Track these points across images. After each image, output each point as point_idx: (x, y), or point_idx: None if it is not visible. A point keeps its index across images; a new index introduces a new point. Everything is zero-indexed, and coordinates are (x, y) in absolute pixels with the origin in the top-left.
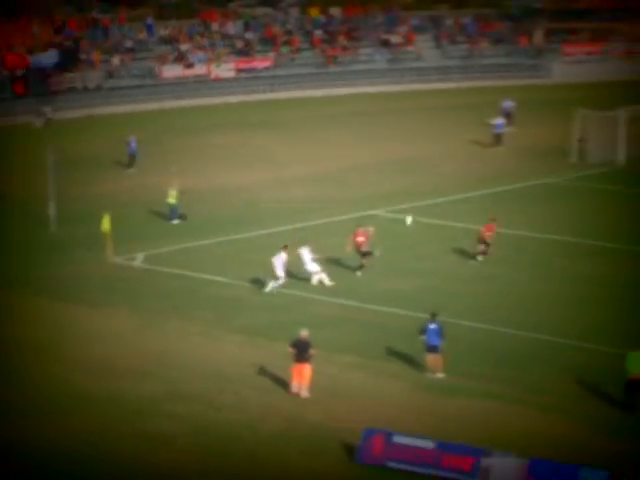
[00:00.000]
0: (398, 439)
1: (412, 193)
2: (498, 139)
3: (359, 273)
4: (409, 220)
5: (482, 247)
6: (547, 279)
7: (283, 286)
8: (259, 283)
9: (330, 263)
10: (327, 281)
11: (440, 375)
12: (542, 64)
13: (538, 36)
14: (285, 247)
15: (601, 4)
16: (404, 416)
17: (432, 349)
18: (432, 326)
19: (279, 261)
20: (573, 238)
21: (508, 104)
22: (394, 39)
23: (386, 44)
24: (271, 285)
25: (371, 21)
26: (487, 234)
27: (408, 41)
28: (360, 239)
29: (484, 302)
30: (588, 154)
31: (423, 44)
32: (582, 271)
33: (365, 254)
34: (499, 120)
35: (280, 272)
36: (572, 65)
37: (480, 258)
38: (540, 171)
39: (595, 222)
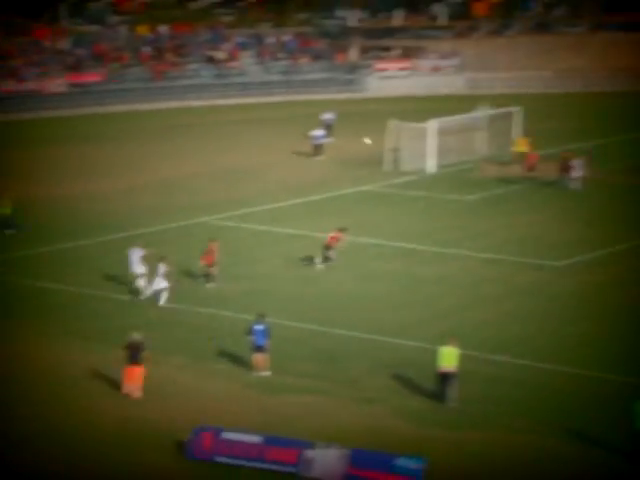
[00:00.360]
0: (226, 435)
1: (240, 201)
2: (318, 149)
3: (211, 284)
4: (368, 141)
5: (329, 253)
6: (366, 279)
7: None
8: (96, 289)
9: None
10: (162, 301)
11: (266, 373)
12: (358, 79)
13: (353, 53)
14: (161, 258)
15: (411, 24)
16: (233, 413)
17: (259, 349)
18: (258, 327)
19: (135, 255)
20: (386, 241)
21: (328, 116)
22: (219, 55)
23: (212, 60)
24: (153, 294)
25: (197, 38)
26: (333, 241)
27: (232, 57)
28: (206, 259)
29: (309, 303)
30: (401, 163)
31: (247, 60)
32: (396, 271)
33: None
34: (319, 131)
35: (138, 269)
36: (385, 80)
37: (319, 264)
38: (357, 179)
39: (405, 225)
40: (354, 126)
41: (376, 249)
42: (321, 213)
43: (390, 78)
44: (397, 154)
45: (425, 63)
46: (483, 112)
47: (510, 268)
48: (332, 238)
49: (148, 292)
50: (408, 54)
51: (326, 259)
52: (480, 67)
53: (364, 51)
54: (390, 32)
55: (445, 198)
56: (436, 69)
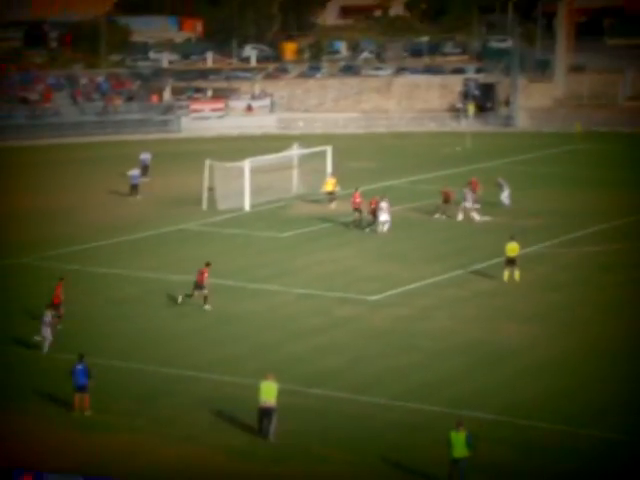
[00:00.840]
0: (47, 478)
1: (51, 241)
2: (135, 189)
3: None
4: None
5: (203, 292)
6: (183, 316)
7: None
8: None
9: None
10: None
11: (87, 413)
12: (172, 120)
13: (167, 94)
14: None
15: (222, 66)
16: (55, 455)
17: (80, 389)
18: (79, 367)
19: None
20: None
21: (145, 156)
22: (32, 96)
23: (24, 101)
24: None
25: (8, 80)
26: (202, 278)
27: (45, 98)
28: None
29: (128, 340)
30: (218, 202)
31: (60, 101)
32: (222, 309)
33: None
34: (135, 171)
35: None
36: (199, 121)
37: (180, 300)
38: (176, 218)
39: (223, 262)
40: (171, 166)
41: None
42: (139, 252)
43: (204, 119)
44: (214, 193)
45: (238, 104)
46: (295, 151)
47: (325, 302)
48: (201, 274)
49: None
50: (221, 95)
51: (192, 296)
52: (291, 108)
53: (178, 92)
54: (203, 74)
55: (261, 235)
56: (248, 110)
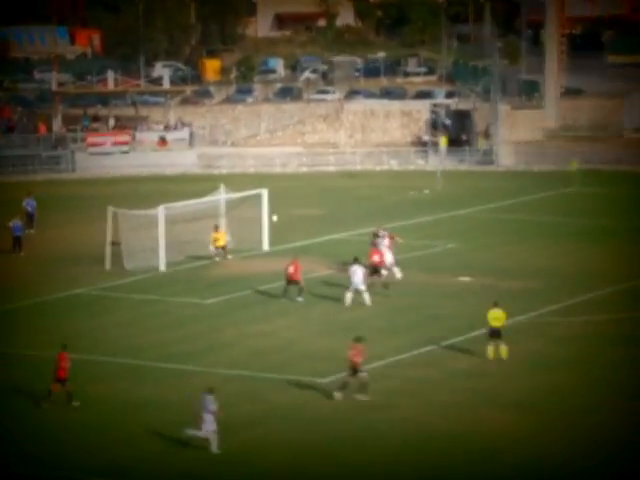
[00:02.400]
0: None
1: None
2: (18, 244)
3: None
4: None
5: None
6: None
7: None
8: None
9: None
10: None
11: None
12: (64, 156)
13: (57, 123)
14: None
15: (126, 89)
16: None
17: None
18: None
19: None
20: (106, 357)
21: (29, 202)
22: None
23: None
24: None
25: None
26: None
27: None
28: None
29: None
30: (125, 259)
31: None
32: (123, 395)
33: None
34: (17, 222)
35: None
36: (99, 157)
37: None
38: (67, 280)
39: (131, 337)
40: (63, 214)
41: (94, 368)
42: (18, 326)
43: (105, 155)
44: (119, 249)
45: (147, 136)
46: (222, 196)
47: (259, 386)
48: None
49: None
50: (126, 125)
51: None
52: (215, 141)
53: (71, 122)
54: (102, 99)
55: (179, 302)
56: (161, 144)
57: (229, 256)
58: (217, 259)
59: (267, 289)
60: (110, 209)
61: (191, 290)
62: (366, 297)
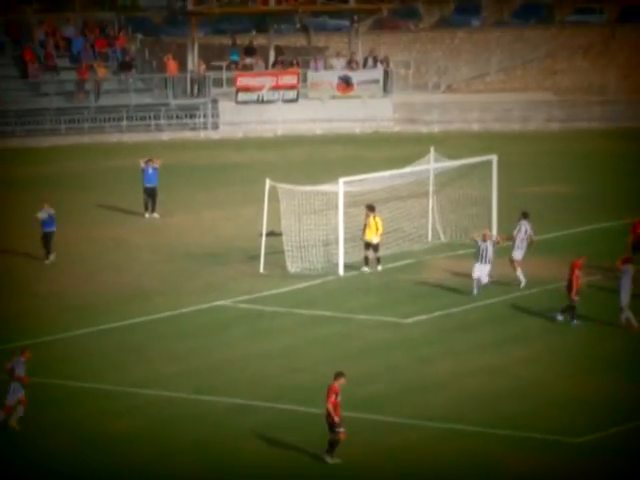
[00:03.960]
0: None
1: None
2: (47, 243)
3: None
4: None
5: None
6: None
7: None
8: None
9: None
10: None
11: None
12: (202, 105)
13: (193, 58)
14: None
15: (293, 7)
16: None
17: None
18: None
19: None
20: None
21: (149, 173)
22: None
23: None
24: None
25: None
26: None
27: None
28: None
29: None
30: (286, 258)
31: None
32: None
33: None
34: (47, 211)
35: None
36: (252, 107)
37: None
38: (203, 288)
39: (299, 358)
40: (198, 190)
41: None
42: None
43: (262, 104)
44: (279, 241)
45: (324, 77)
46: (431, 165)
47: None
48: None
49: None
50: (293, 61)
51: None
52: (420, 85)
53: (211, 56)
54: (258, 21)
55: (368, 321)
56: (344, 88)
57: (379, 267)
58: (365, 269)
59: (496, 302)
60: (268, 183)
61: (385, 304)
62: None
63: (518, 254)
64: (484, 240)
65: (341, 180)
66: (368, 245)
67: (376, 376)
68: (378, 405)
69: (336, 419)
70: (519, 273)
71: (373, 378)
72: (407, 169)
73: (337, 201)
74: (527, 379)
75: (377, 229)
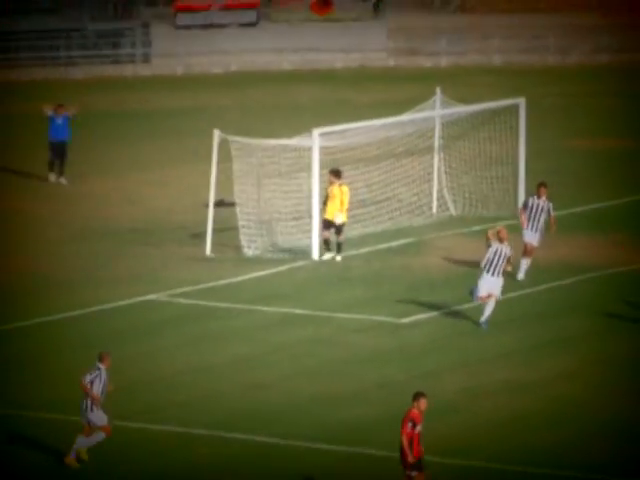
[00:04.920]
0: None
1: None
2: (60, 158)
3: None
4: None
5: None
6: None
7: None
8: None
9: None
10: None
11: None
12: (130, 30)
13: None
14: None
15: None
16: None
17: None
18: None
19: None
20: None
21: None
22: None
23: None
24: None
25: None
26: None
27: None
28: None
29: None
30: (243, 237)
31: None
32: None
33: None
34: (60, 112)
35: None
36: (195, 34)
37: None
38: (129, 278)
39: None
40: (124, 146)
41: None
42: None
43: (208, 29)
44: (231, 213)
45: None
46: (437, 112)
47: None
48: None
49: None
50: None
51: None
52: (427, 2)
53: None
54: None
55: (351, 320)
56: (322, 7)
57: (338, 257)
58: (328, 256)
59: (521, 296)
60: (218, 135)
61: (373, 299)
62: None
63: (532, 237)
64: (500, 241)
65: (316, 131)
66: (329, 224)
67: (363, 395)
68: (365, 434)
69: (410, 458)
70: (525, 263)
71: (359, 398)
72: (405, 116)
73: (311, 160)
74: (563, 399)
75: (342, 204)
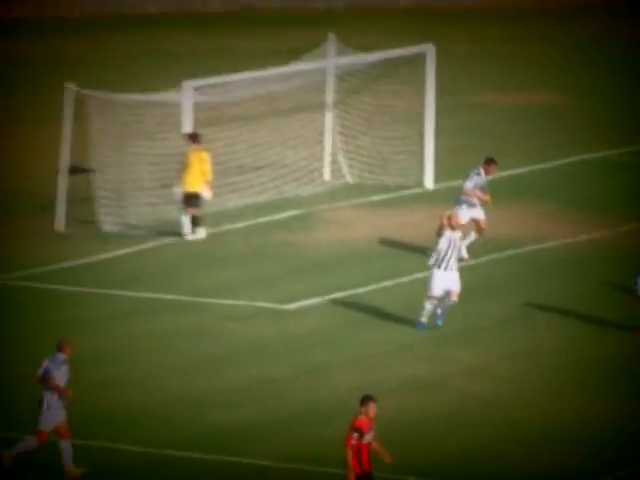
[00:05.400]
0: None
1: None
2: None
3: None
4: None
5: None
6: None
7: None
8: None
9: None
10: None
11: None
12: None
13: None
14: None
15: None
16: None
17: None
18: None
19: None
20: None
21: None
22: None
23: None
24: None
25: None
26: None
27: None
28: None
29: None
30: (100, 210)
31: None
32: None
33: None
34: None
35: None
36: None
37: None
38: None
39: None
40: None
41: None
42: None
43: None
44: (89, 183)
45: None
46: (329, 59)
47: None
48: None
49: None
50: None
51: None
52: None
53: None
54: None
55: (229, 306)
56: None
57: (196, 234)
58: (191, 236)
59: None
60: (70, 89)
61: (254, 281)
62: None
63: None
64: (452, 228)
65: (188, 84)
66: (189, 198)
67: (241, 395)
68: (243, 440)
69: (351, 475)
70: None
71: (236, 398)
72: (293, 67)
73: (181, 118)
74: (472, 397)
75: (203, 173)
